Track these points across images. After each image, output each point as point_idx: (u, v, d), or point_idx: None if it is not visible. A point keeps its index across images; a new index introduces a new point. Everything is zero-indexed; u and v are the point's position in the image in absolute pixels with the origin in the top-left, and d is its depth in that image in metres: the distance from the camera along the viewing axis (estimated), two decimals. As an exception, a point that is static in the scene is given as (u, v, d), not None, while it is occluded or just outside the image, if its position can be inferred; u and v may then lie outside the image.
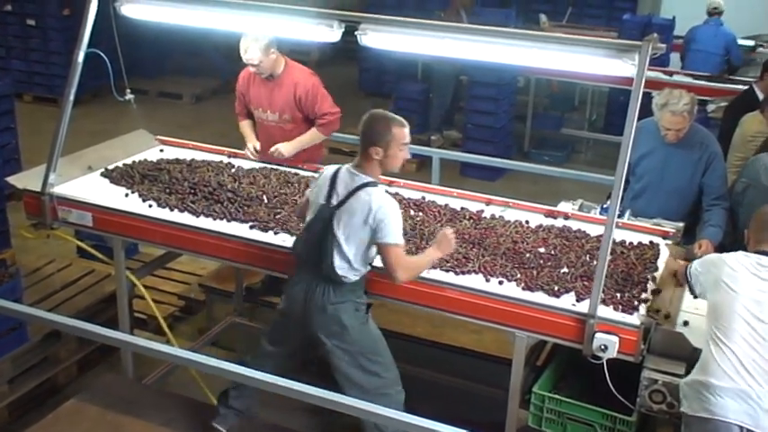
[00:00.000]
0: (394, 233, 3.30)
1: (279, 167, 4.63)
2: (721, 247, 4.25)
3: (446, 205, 4.24)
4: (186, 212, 4.01)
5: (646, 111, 3.86)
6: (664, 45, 7.96)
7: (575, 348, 3.27)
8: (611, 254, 3.72)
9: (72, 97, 4.07)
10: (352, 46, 4.10)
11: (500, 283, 3.48)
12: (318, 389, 3.01)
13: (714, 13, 8.89)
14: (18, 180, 4.35)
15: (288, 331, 3.55)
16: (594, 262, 3.52)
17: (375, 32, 3.54)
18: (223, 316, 5.11)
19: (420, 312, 3.88)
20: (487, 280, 3.49)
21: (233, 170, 4.58)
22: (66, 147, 4.18)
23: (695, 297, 3.30)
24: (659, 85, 5.73)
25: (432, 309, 3.56)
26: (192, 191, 4.20)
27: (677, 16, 9.58)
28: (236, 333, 5.06)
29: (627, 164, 3.17)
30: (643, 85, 3.10)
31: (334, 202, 3.38)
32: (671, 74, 8.14)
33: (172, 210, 4.03)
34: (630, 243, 3.92)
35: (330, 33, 3.61)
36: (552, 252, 3.77)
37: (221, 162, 4.69)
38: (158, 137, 4.97)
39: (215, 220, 3.95)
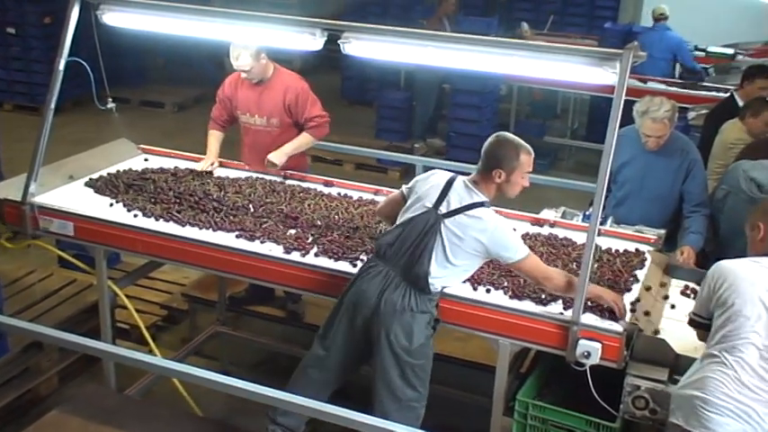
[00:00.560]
0: (518, 248, 3.28)
1: (264, 176, 4.62)
2: (702, 253, 4.30)
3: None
4: (172, 222, 3.98)
5: (627, 118, 3.88)
6: (645, 53, 7.99)
7: (558, 355, 3.27)
8: (598, 261, 3.74)
9: (53, 106, 4.03)
10: (335, 54, 4.09)
11: (487, 291, 3.47)
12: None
13: (660, 18, 9.12)
14: (-2, 189, 4.30)
15: (346, 320, 3.42)
16: (581, 269, 3.53)
17: (358, 41, 3.53)
18: (206, 325, 5.08)
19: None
20: (475, 288, 3.49)
21: (218, 179, 4.55)
22: (48, 156, 4.14)
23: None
24: (637, 92, 5.76)
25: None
26: (178, 200, 4.17)
27: (657, 24, 9.67)
28: (220, 342, 5.03)
29: (609, 171, 3.19)
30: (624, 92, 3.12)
31: (444, 209, 3.31)
32: (645, 81, 8.21)
33: (157, 219, 4.00)
34: (617, 251, 3.93)
35: (313, 42, 3.60)
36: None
37: (204, 171, 4.65)
38: (141, 146, 4.94)
39: (201, 229, 3.92)
